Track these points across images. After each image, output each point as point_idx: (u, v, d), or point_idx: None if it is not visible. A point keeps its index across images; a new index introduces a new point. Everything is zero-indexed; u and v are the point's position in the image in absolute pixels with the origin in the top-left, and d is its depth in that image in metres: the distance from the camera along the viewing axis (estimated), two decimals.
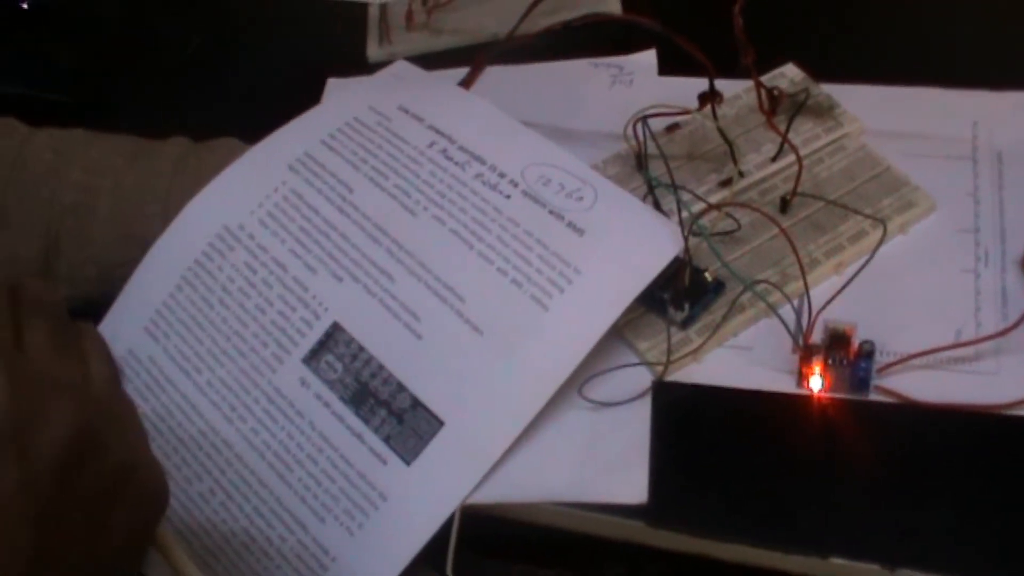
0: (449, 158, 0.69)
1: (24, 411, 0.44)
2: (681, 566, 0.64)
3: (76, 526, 0.45)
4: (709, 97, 0.72)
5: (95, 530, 0.46)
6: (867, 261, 0.67)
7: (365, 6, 0.93)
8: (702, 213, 0.68)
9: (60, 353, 0.47)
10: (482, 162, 0.69)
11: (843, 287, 0.66)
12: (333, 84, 0.86)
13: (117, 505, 0.47)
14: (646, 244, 0.65)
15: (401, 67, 0.78)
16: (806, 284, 0.65)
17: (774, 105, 0.74)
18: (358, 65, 0.89)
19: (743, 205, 0.70)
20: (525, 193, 0.67)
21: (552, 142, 0.70)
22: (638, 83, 0.83)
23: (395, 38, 0.90)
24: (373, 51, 0.90)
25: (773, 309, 0.65)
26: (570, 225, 0.66)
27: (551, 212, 0.66)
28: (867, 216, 0.70)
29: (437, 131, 0.71)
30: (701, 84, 0.74)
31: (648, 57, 0.84)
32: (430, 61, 0.86)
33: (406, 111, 0.73)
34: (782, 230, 0.67)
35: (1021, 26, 0.87)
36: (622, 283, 0.64)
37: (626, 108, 0.74)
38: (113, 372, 0.50)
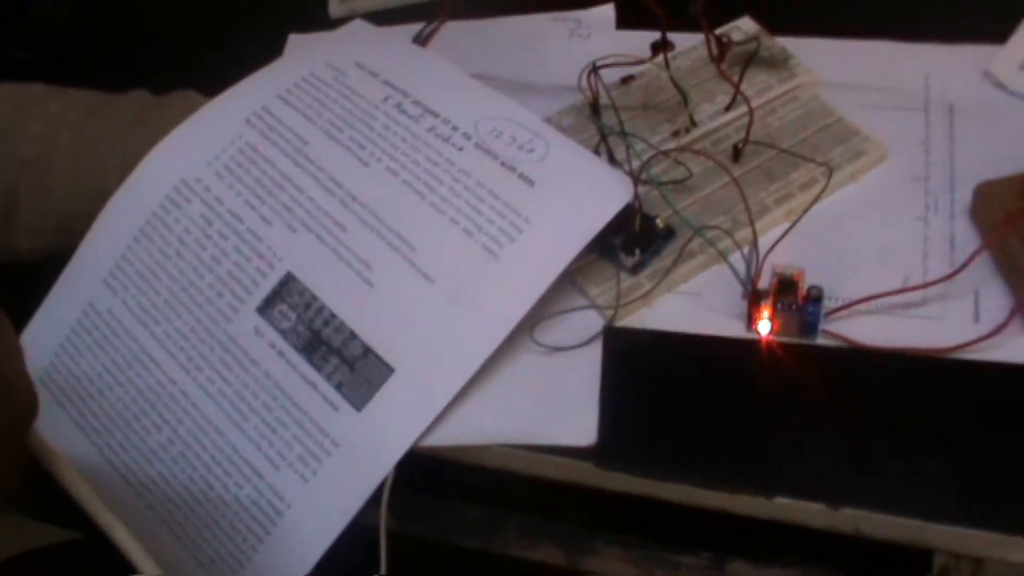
0: (403, 111, 0.70)
1: None
2: (639, 510, 0.65)
3: None
4: (661, 46, 0.73)
5: None
6: (809, 206, 0.68)
7: None
8: (650, 160, 0.69)
9: None
10: (435, 115, 0.69)
11: (787, 231, 0.67)
12: (294, 40, 0.86)
13: None
14: (595, 193, 0.66)
15: (358, 26, 0.79)
16: (754, 230, 0.66)
17: (723, 52, 0.75)
18: (320, 21, 0.89)
19: (695, 152, 0.71)
20: (477, 145, 0.68)
21: (505, 96, 0.71)
22: (596, 36, 0.84)
23: None
24: (335, 7, 0.90)
25: (723, 255, 0.67)
26: (521, 176, 0.66)
27: (503, 164, 0.67)
28: (817, 164, 0.71)
29: (392, 86, 0.72)
30: (657, 37, 0.75)
31: (606, 11, 0.85)
32: (392, 16, 0.87)
33: (362, 67, 0.73)
34: (733, 178, 0.68)
35: None
36: (571, 232, 0.65)
37: (583, 61, 0.74)
38: None
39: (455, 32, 0.84)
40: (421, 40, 0.81)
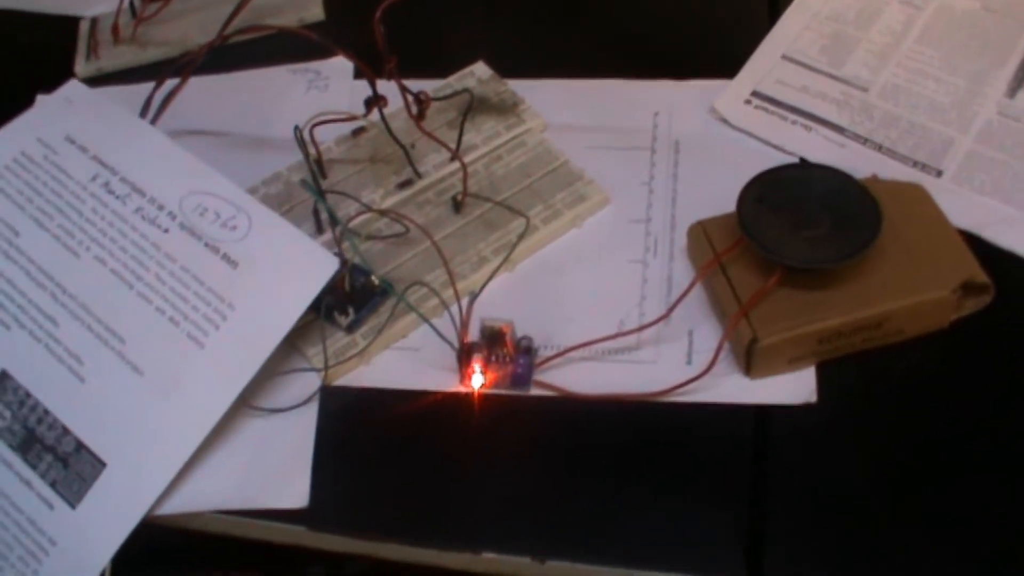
0: (111, 192, 0.70)
1: None
2: (380, 564, 0.66)
3: None
4: (374, 102, 0.73)
5: None
6: (505, 258, 0.71)
7: (77, 20, 0.93)
8: (350, 220, 0.71)
9: None
10: (142, 194, 0.70)
11: (484, 284, 0.69)
12: (42, 101, 0.86)
13: None
14: (298, 271, 0.67)
15: (73, 89, 0.77)
16: (455, 289, 0.68)
17: (422, 109, 0.75)
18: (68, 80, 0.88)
19: (399, 216, 0.72)
20: (182, 226, 0.68)
21: (210, 168, 0.70)
22: (333, 87, 0.85)
23: (103, 52, 0.90)
24: (81, 66, 0.90)
25: (423, 317, 0.68)
26: (225, 257, 0.67)
27: (207, 245, 0.67)
28: (519, 214, 0.72)
29: (101, 162, 0.71)
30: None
31: (344, 61, 0.85)
32: (142, 74, 0.86)
33: (72, 141, 0.73)
34: (432, 242, 0.69)
35: (703, 15, 0.89)
36: (276, 315, 0.66)
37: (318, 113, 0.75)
38: None
39: (200, 88, 0.83)
40: (148, 103, 0.80)
